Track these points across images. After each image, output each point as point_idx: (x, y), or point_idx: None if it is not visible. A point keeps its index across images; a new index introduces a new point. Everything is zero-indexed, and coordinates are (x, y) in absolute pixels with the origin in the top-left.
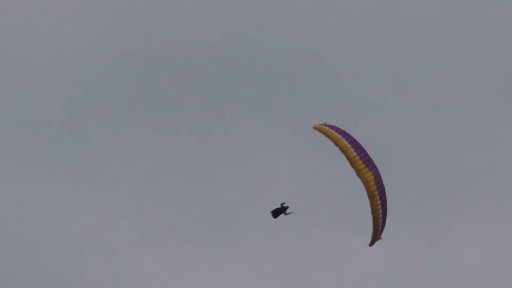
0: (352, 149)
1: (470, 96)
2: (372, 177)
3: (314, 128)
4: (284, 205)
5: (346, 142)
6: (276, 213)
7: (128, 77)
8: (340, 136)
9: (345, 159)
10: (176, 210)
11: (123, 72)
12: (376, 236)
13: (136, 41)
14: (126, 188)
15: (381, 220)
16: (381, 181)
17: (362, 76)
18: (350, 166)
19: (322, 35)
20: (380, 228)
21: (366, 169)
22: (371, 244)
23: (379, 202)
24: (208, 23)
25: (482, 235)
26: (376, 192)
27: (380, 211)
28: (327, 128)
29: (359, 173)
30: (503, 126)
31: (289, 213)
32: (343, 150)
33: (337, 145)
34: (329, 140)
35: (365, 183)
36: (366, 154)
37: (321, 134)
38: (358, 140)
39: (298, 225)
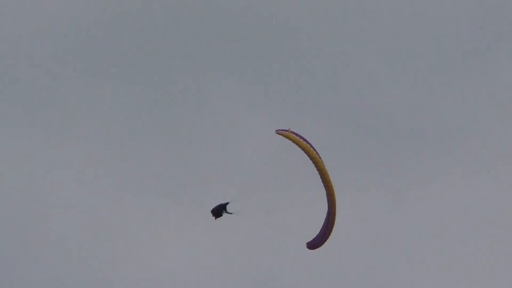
0: (321, 160)
1: (440, 53)
2: (333, 189)
3: (278, 133)
4: (224, 202)
5: (316, 153)
6: (217, 213)
7: (101, 35)
8: (310, 146)
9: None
10: (148, 167)
11: (96, 30)
12: (324, 241)
13: None
14: (96, 145)
15: (332, 228)
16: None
17: (334, 35)
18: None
19: None
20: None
21: (331, 182)
22: (313, 248)
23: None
24: None
25: (452, 193)
26: (336, 203)
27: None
28: (295, 136)
29: (326, 185)
30: (475, 83)
31: (230, 212)
32: (314, 161)
33: (308, 155)
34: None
35: (330, 195)
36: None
37: (284, 138)
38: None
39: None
